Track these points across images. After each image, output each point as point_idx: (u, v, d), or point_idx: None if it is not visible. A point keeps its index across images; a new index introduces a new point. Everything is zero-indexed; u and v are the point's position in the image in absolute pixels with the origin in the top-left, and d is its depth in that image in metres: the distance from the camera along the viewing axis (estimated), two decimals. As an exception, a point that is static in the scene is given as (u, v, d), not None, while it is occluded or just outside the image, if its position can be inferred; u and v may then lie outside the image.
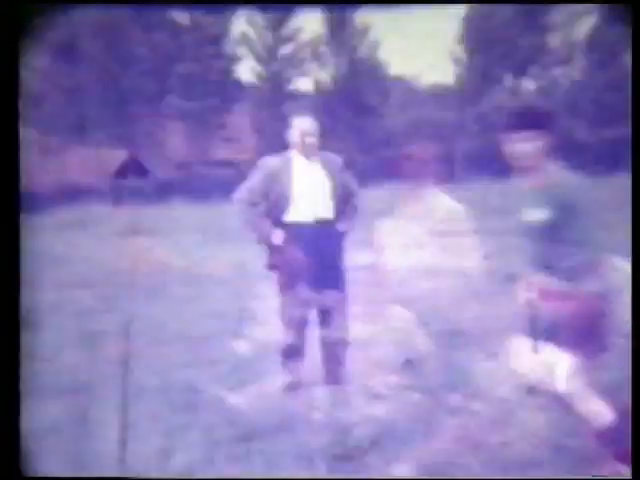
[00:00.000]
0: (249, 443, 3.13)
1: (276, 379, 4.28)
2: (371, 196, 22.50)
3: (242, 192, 4.26)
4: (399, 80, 37.25)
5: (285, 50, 34.98)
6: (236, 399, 3.83)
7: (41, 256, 11.22)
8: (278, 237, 4.20)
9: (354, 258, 10.74)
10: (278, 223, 4.21)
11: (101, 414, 3.45)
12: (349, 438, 3.23)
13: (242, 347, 5.04)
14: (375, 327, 5.80)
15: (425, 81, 35.84)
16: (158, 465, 2.94)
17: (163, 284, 8.44)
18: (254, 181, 4.25)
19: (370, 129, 34.40)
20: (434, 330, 5.51)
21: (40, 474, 2.58)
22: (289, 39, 34.99)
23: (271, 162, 4.28)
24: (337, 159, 4.44)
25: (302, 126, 4.27)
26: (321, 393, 3.93)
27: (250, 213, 4.23)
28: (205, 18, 33.83)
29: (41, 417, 3.44)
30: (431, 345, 5.04)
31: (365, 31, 35.39)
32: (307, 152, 4.25)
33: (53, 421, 3.43)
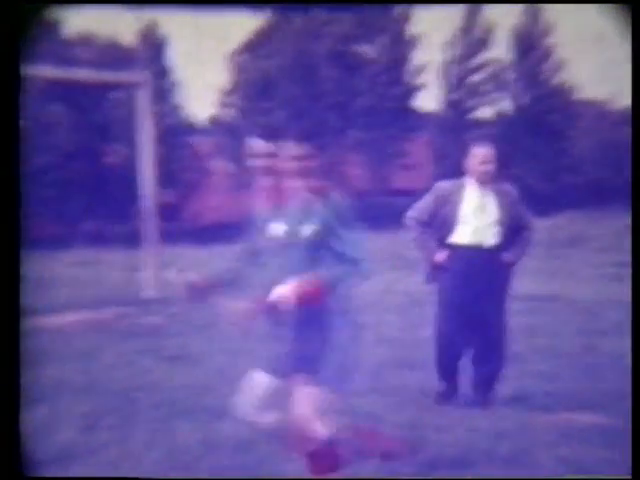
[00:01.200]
0: (431, 474, 3.10)
1: (453, 411, 4.22)
2: (553, 224, 21.37)
3: (414, 211, 4.49)
4: (588, 103, 35.40)
5: (473, 79, 34.71)
6: (416, 429, 3.81)
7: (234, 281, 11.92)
8: (441, 257, 4.36)
9: (533, 287, 10.28)
10: (443, 243, 4.38)
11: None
12: (536, 476, 3.09)
13: (417, 377, 5.03)
14: (558, 359, 5.52)
15: (618, 103, 33.66)
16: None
17: (344, 311, 8.61)
18: (426, 201, 4.47)
19: (554, 155, 32.96)
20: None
21: (40, 474, 2.65)
22: (479, 69, 34.69)
23: (444, 185, 4.48)
24: (513, 191, 4.47)
25: (480, 154, 4.35)
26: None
27: (418, 231, 4.45)
28: (388, 49, 34.51)
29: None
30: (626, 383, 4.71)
31: (549, 53, 34.20)
32: (482, 180, 4.35)
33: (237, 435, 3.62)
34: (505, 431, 3.78)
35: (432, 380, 4.66)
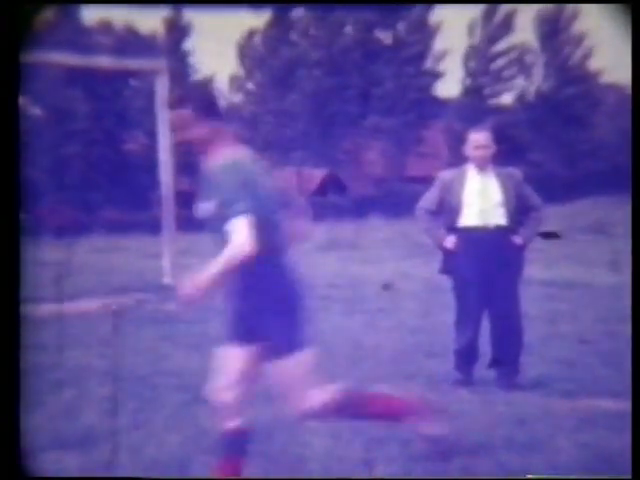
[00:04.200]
0: (448, 461, 3.10)
1: (473, 397, 4.22)
2: (575, 210, 21.07)
3: (422, 202, 4.65)
4: (610, 88, 34.87)
5: (495, 65, 34.38)
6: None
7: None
8: (450, 242, 4.49)
9: (554, 273, 10.15)
10: (452, 229, 4.52)
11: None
12: (556, 462, 3.08)
13: (435, 363, 5.03)
14: (579, 345, 5.48)
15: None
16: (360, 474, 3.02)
17: (359, 297, 8.63)
18: (431, 192, 4.63)
19: (577, 141, 32.62)
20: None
21: (40, 474, 2.67)
22: (501, 54, 34.34)
23: (447, 174, 4.63)
24: (515, 173, 4.61)
25: (476, 140, 4.50)
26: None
27: (427, 220, 4.61)
28: (409, 35, 34.27)
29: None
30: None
31: (580, 39, 33.73)
32: (480, 164, 4.50)
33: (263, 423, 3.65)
34: (525, 417, 3.78)
35: (451, 366, 4.67)
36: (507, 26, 33.86)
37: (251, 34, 34.94)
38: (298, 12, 34.40)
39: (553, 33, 33.71)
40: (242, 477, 2.81)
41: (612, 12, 2.62)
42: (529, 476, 2.74)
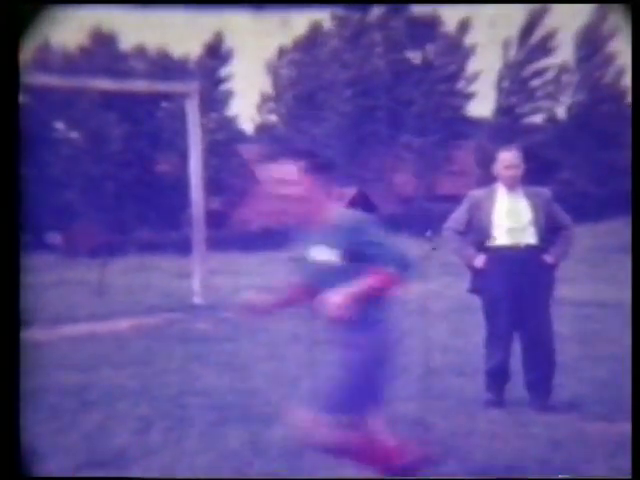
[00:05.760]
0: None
1: (505, 418, 4.16)
2: (608, 229, 20.69)
3: (450, 221, 4.63)
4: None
5: (529, 85, 34.23)
6: (466, 436, 3.77)
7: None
8: (480, 261, 4.46)
9: (588, 293, 9.97)
10: (481, 248, 4.49)
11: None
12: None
13: (465, 383, 4.98)
14: (615, 366, 5.39)
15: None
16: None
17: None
18: (460, 211, 4.61)
19: (609, 159, 32.26)
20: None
21: (40, 474, 2.65)
22: (536, 74, 34.20)
23: (476, 193, 4.62)
24: (545, 192, 4.59)
25: (506, 159, 4.49)
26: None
27: (455, 240, 4.58)
28: (438, 56, 34.35)
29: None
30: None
31: (611, 58, 33.49)
32: (509, 184, 4.48)
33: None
34: (560, 439, 3.72)
35: (482, 386, 4.62)
36: (544, 47, 33.67)
37: (281, 55, 35.28)
38: (328, 34, 34.70)
39: (590, 52, 33.45)
40: (248, 477, 2.81)
41: (611, 12, 2.63)
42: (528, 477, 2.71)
